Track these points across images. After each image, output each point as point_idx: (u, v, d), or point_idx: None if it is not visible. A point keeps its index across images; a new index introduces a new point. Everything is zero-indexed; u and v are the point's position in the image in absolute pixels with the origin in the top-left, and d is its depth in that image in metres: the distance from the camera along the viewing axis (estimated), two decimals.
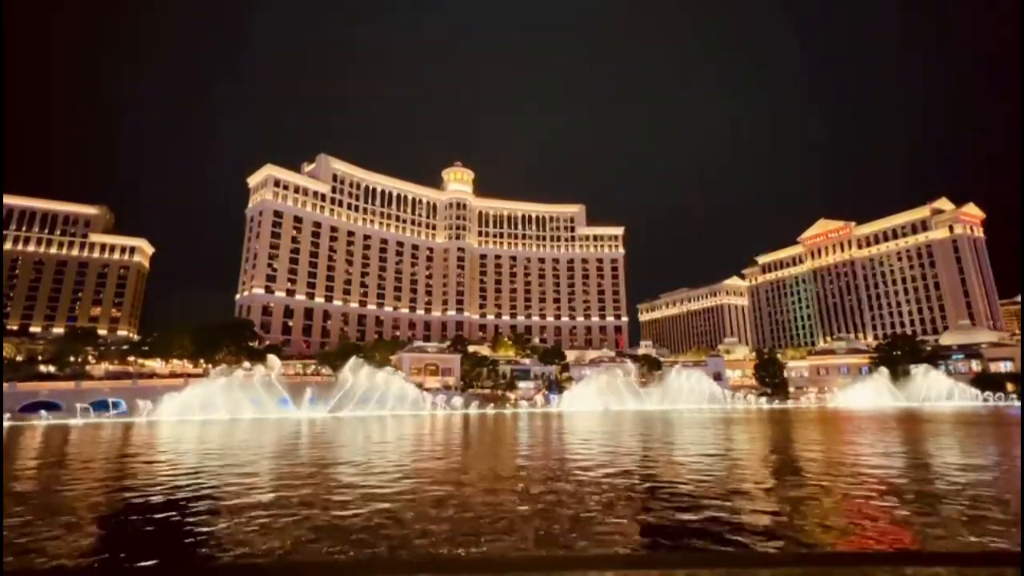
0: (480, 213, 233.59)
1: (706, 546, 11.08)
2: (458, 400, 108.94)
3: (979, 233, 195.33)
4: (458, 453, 31.82)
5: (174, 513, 14.76)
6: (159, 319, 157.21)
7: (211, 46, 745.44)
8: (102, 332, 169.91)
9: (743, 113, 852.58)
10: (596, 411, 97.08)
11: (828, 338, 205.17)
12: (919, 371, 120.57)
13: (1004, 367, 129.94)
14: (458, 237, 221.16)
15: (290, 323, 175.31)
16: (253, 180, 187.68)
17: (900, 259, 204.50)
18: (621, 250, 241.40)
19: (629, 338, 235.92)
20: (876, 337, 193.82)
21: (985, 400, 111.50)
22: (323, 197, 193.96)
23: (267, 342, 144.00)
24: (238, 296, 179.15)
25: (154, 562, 10.77)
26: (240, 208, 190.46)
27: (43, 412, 78.69)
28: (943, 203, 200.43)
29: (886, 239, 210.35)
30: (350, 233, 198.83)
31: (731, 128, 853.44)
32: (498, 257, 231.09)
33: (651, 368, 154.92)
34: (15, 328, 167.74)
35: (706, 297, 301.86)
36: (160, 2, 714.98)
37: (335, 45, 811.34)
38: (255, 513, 14.45)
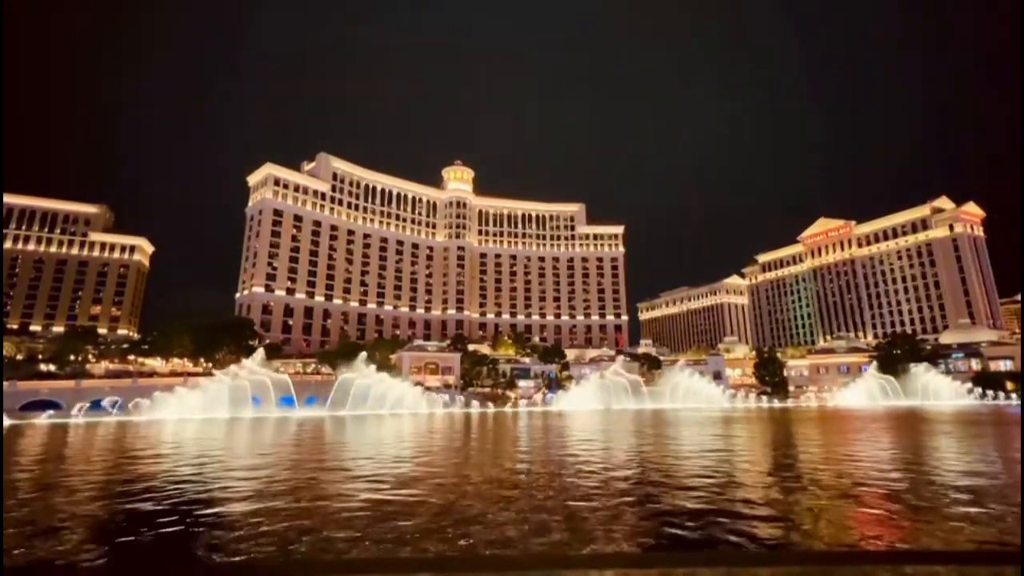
0: (480, 212, 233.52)
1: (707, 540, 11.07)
2: (458, 399, 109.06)
3: (979, 232, 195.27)
4: (458, 456, 31.83)
5: (174, 513, 14.77)
6: (159, 318, 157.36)
7: (211, 46, 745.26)
8: (102, 331, 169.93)
9: (743, 113, 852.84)
10: (596, 410, 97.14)
11: (828, 337, 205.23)
12: (919, 370, 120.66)
13: (1004, 366, 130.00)
14: (458, 236, 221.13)
15: (290, 322, 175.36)
16: (253, 179, 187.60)
17: (900, 258, 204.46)
18: (621, 249, 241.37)
19: (629, 337, 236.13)
20: (876, 336, 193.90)
21: (984, 398, 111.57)
22: (323, 196, 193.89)
23: (267, 341, 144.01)
24: (238, 295, 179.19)
25: (154, 563, 10.77)
26: (240, 207, 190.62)
27: (50, 411, 78.80)
28: (943, 202, 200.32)
29: (886, 238, 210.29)
30: (350, 232, 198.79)
31: (731, 128, 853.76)
32: (498, 256, 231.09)
33: (651, 367, 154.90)
34: (15, 327, 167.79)
35: (706, 296, 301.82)
36: (160, 2, 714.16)
37: (335, 45, 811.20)
38: (256, 514, 14.45)
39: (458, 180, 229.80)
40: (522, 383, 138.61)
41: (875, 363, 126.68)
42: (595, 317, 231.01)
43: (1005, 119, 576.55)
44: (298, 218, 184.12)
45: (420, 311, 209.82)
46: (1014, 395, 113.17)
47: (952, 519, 13.01)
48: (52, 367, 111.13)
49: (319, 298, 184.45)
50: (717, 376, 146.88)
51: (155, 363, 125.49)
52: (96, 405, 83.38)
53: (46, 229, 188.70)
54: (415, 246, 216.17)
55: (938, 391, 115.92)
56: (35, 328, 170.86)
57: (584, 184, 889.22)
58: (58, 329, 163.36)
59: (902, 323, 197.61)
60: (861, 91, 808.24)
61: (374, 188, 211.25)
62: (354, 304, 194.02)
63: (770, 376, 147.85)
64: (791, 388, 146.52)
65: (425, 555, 10.44)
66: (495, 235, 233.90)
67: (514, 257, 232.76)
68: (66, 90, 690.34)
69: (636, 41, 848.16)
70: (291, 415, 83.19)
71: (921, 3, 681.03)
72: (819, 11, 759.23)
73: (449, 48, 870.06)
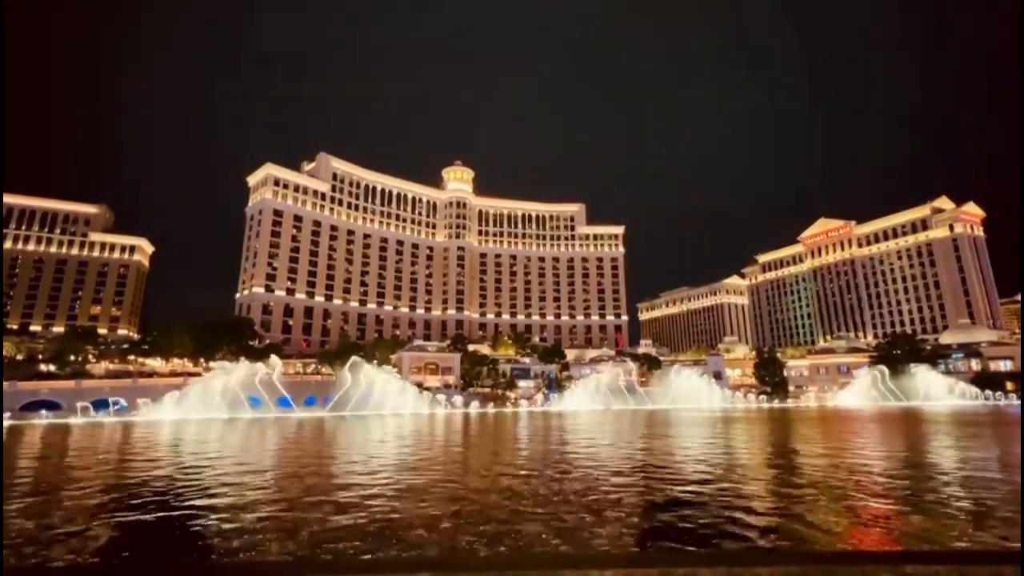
0: (480, 212, 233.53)
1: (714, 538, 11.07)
2: (458, 399, 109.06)
3: (979, 232, 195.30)
4: (459, 459, 31.82)
5: (173, 514, 14.77)
6: (159, 318, 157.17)
7: (211, 45, 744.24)
8: (102, 331, 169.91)
9: (743, 113, 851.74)
10: (597, 410, 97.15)
11: (828, 337, 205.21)
12: (919, 370, 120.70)
13: (1004, 366, 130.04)
14: (458, 236, 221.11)
15: (290, 322, 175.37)
16: (253, 179, 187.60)
17: (900, 258, 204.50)
18: (621, 249, 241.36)
19: (629, 337, 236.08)
20: (876, 336, 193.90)
21: (986, 399, 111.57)
22: (323, 196, 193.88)
23: (267, 341, 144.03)
24: (238, 295, 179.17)
25: (154, 563, 10.78)
26: (240, 207, 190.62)
27: (43, 411, 78.83)
28: (943, 202, 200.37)
29: (886, 238, 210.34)
30: (350, 232, 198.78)
31: (731, 128, 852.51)
32: (498, 256, 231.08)
33: (651, 367, 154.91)
34: (15, 327, 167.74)
35: (706, 296, 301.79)
36: (160, 2, 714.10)
37: (335, 45, 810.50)
38: (259, 514, 14.46)
39: (458, 180, 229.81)
40: (522, 383, 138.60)
41: (882, 366, 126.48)
42: (595, 317, 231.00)
43: (1005, 119, 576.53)
44: (298, 218, 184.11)
45: (420, 311, 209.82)
46: (1014, 395, 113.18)
47: (952, 520, 13.01)
48: (52, 367, 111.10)
49: (319, 298, 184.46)
50: (717, 376, 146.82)
51: (155, 363, 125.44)
52: (97, 405, 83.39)
53: (46, 229, 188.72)
54: (415, 246, 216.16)
55: (938, 391, 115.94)
56: (35, 328, 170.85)
57: (584, 184, 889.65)
58: (58, 329, 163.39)
59: (902, 323, 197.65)
60: (861, 91, 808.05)
61: (374, 188, 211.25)
62: (354, 304, 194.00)
63: (770, 376, 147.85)
64: (791, 388, 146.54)
65: (425, 555, 10.44)
66: (495, 235, 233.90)
67: (514, 257, 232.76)
68: (66, 90, 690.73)
69: (636, 41, 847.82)
70: (290, 416, 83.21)
71: (921, 3, 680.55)
72: (819, 11, 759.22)
73: (449, 48, 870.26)
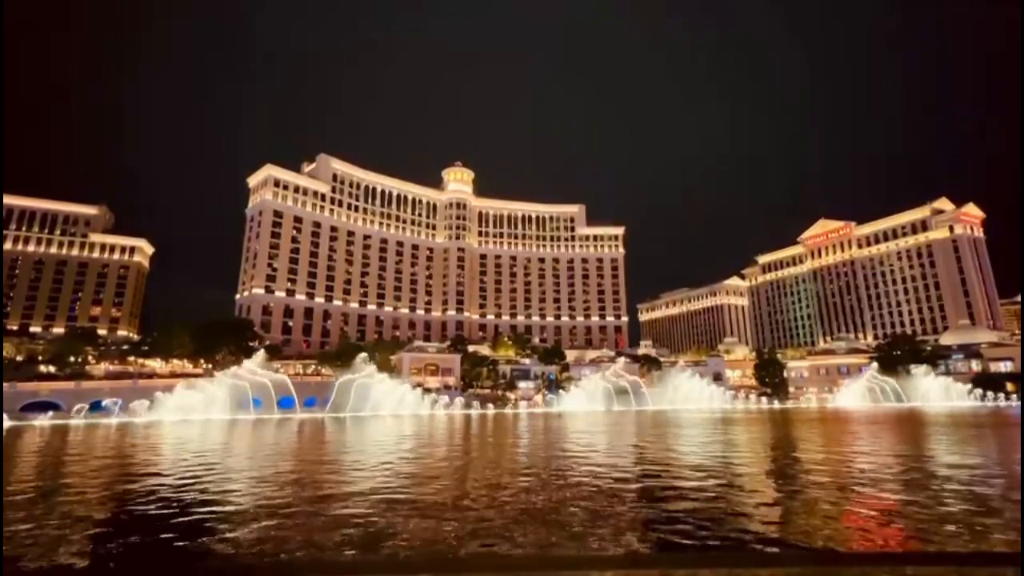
0: (480, 213, 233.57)
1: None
2: (458, 400, 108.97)
3: (979, 233, 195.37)
4: (462, 463, 31.81)
5: (174, 514, 14.77)
6: (159, 319, 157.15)
7: (212, 47, 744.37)
8: (102, 332, 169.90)
9: (742, 113, 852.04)
10: (597, 411, 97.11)
11: (828, 338, 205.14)
12: (919, 371, 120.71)
13: (1004, 367, 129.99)
14: (458, 237, 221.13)
15: (290, 323, 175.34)
16: (253, 180, 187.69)
17: (900, 259, 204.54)
18: (621, 250, 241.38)
19: (629, 338, 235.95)
20: (876, 337, 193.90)
21: (984, 400, 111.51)
22: (323, 197, 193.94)
23: (267, 342, 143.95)
24: (238, 296, 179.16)
25: (154, 562, 10.77)
26: (240, 208, 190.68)
27: (49, 412, 78.84)
28: (943, 203, 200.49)
29: (886, 239, 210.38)
30: (350, 233, 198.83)
31: (731, 128, 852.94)
32: (498, 257, 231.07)
33: (651, 368, 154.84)
34: (15, 328, 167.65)
35: (706, 297, 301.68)
36: (160, 3, 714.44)
37: (335, 46, 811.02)
38: (260, 516, 14.45)
39: (458, 181, 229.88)
40: (522, 384, 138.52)
41: (875, 364, 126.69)
42: (595, 318, 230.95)
43: (1005, 119, 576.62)
44: (298, 219, 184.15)
45: (420, 312, 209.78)
46: (1014, 396, 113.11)
47: (953, 522, 13.01)
48: (52, 368, 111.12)
49: (319, 299, 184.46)
50: (717, 377, 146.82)
51: (155, 364, 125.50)
52: (97, 406, 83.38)
53: (46, 230, 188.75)
54: (415, 247, 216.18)
55: (938, 392, 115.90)
56: (35, 329, 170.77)
57: (584, 185, 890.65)
58: (58, 330, 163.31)
59: (902, 324, 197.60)
60: (861, 91, 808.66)
61: (374, 189, 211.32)
62: (354, 305, 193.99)
63: (770, 377, 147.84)
64: (791, 389, 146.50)
65: (426, 556, 10.43)
66: (495, 236, 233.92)
67: (514, 258, 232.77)
68: (66, 91, 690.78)
69: (635, 42, 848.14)
70: (291, 416, 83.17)
71: (921, 3, 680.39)
72: (818, 10, 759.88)
73: (449, 50, 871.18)
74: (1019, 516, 12.81)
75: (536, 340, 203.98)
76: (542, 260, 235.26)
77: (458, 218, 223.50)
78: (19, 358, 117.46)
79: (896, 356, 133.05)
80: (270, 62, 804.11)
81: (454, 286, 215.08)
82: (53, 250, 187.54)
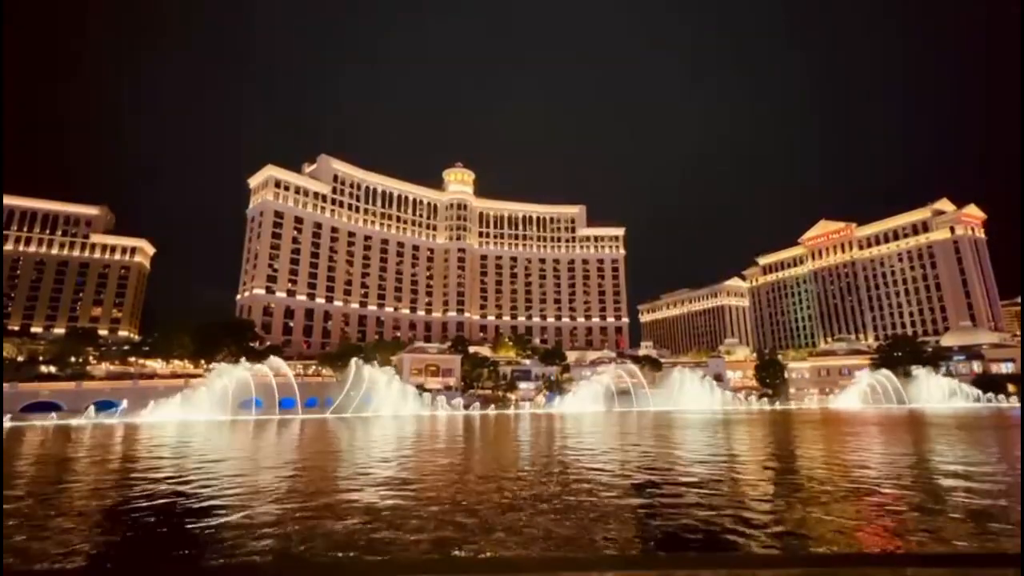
0: (481, 214, 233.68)
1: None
2: (459, 401, 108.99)
3: (980, 234, 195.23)
4: (470, 463, 31.81)
5: (176, 514, 14.79)
6: (160, 319, 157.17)
7: (213, 48, 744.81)
8: (103, 332, 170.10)
9: (743, 114, 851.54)
10: (598, 412, 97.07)
11: (829, 339, 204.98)
12: (920, 372, 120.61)
13: (1005, 368, 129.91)
14: (459, 238, 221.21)
15: (291, 323, 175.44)
16: (254, 181, 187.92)
17: (901, 260, 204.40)
18: (622, 251, 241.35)
19: (630, 339, 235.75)
20: (877, 338, 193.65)
21: (988, 401, 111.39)
22: (324, 198, 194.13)
23: (268, 343, 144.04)
24: (239, 296, 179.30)
25: (154, 562, 10.79)
26: (241, 208, 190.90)
27: (53, 413, 78.96)
28: (944, 204, 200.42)
29: (887, 240, 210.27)
30: (351, 234, 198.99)
31: (731, 129, 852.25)
32: (499, 258, 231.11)
33: (652, 369, 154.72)
34: (16, 328, 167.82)
35: (707, 298, 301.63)
36: (162, 4, 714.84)
37: (338, 46, 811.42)
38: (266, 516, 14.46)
39: (459, 182, 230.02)
40: (523, 385, 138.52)
41: (884, 368, 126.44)
42: (596, 319, 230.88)
43: (1007, 120, 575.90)
44: (299, 220, 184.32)
45: (421, 313, 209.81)
46: (1015, 397, 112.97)
47: (955, 521, 12.99)
48: (53, 369, 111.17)
49: (320, 300, 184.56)
50: (718, 378, 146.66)
51: (155, 365, 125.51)
52: (103, 406, 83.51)
53: (47, 231, 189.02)
54: (416, 248, 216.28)
55: (939, 394, 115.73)
56: (36, 329, 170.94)
57: (585, 186, 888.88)
58: (59, 331, 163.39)
59: (903, 325, 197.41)
60: (865, 92, 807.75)
61: (375, 190, 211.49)
62: (355, 306, 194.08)
63: (771, 378, 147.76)
64: (792, 390, 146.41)
65: (426, 557, 10.44)
66: (496, 237, 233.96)
67: (515, 259, 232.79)
68: (68, 92, 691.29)
69: (635, 43, 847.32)
70: (293, 417, 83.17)
71: (924, 2, 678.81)
72: (820, 11, 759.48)
73: (451, 50, 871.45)
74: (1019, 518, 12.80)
75: (537, 341, 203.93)
76: (543, 261, 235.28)
77: (459, 219, 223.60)
78: (20, 359, 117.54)
79: (897, 357, 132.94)
80: (270, 63, 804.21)
81: (455, 287, 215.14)
82: (54, 251, 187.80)
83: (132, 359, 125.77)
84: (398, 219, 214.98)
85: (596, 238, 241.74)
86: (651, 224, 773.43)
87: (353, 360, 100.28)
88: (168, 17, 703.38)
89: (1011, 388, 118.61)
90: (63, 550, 11.30)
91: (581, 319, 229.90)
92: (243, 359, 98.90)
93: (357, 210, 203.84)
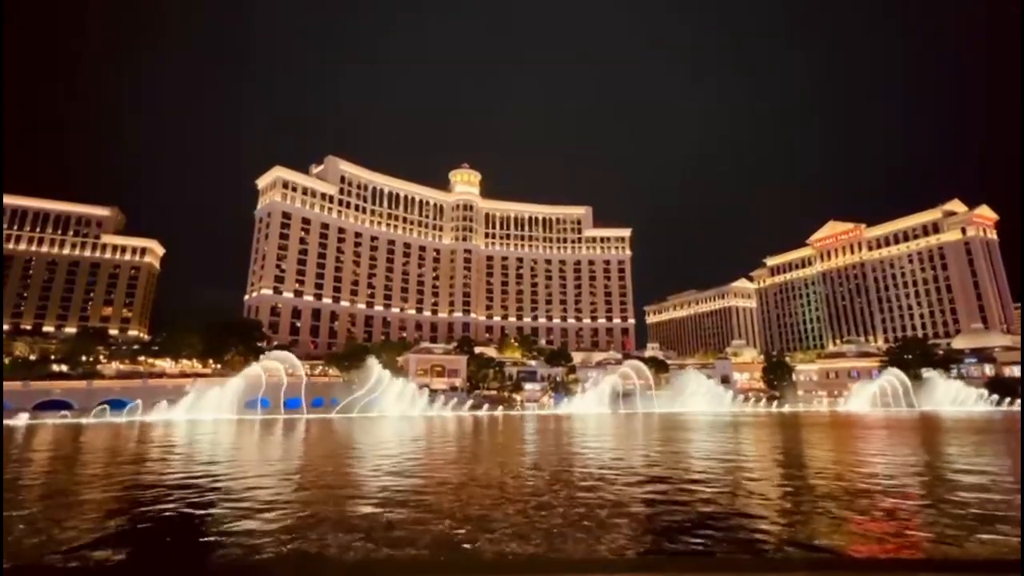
0: (487, 215, 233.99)
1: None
2: (465, 402, 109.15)
3: (992, 235, 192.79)
4: (474, 463, 31.84)
5: (178, 513, 14.94)
6: (169, 319, 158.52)
7: (214, 47, 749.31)
8: (113, 332, 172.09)
9: (744, 113, 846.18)
10: (604, 413, 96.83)
11: (838, 341, 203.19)
12: (931, 375, 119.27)
13: (1018, 371, 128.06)
14: (465, 239, 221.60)
15: (298, 323, 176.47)
16: (262, 182, 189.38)
17: (911, 261, 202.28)
18: (628, 251, 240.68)
19: (636, 340, 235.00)
20: (887, 340, 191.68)
21: (999, 404, 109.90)
22: (331, 199, 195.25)
23: (275, 343, 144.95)
24: (247, 296, 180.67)
25: (154, 560, 10.90)
26: (250, 209, 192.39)
27: (64, 412, 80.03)
28: (955, 205, 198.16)
29: (897, 241, 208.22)
30: (357, 234, 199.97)
31: (732, 128, 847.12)
32: (505, 259, 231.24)
33: (658, 370, 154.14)
34: (29, 327, 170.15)
35: (714, 299, 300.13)
36: (170, 5, 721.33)
37: (338, 46, 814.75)
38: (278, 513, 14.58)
39: (465, 183, 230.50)
40: (528, 386, 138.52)
41: (888, 368, 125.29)
42: (602, 320, 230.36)
43: (1007, 120, 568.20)
44: (306, 220, 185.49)
45: (427, 313, 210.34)
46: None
47: (960, 521, 12.84)
48: (64, 367, 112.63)
49: (327, 300, 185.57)
50: (725, 380, 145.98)
51: (165, 364, 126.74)
52: (113, 405, 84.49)
53: (59, 231, 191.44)
54: (422, 248, 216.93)
55: (950, 397, 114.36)
56: (48, 329, 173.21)
57: (585, 186, 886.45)
58: (70, 330, 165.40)
59: (913, 327, 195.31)
60: (865, 93, 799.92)
61: (381, 191, 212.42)
62: (361, 306, 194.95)
63: (779, 380, 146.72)
64: (800, 392, 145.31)
65: (429, 558, 10.48)
66: (502, 238, 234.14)
67: (521, 260, 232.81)
68: (78, 93, 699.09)
69: (635, 42, 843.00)
70: (299, 417, 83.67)
71: (924, 2, 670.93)
72: (820, 12, 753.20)
73: (450, 51, 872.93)
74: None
75: (543, 342, 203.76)
76: (549, 262, 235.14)
77: (465, 219, 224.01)
78: (32, 357, 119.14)
79: (907, 360, 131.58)
80: (270, 63, 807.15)
81: (461, 287, 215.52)
82: (66, 251, 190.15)
83: (142, 358, 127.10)
84: (404, 220, 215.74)
85: (602, 239, 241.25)
86: (651, 224, 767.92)
87: (364, 360, 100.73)
88: (168, 17, 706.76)
89: None
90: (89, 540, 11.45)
91: (587, 320, 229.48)
92: (251, 359, 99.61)
93: (364, 211, 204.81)
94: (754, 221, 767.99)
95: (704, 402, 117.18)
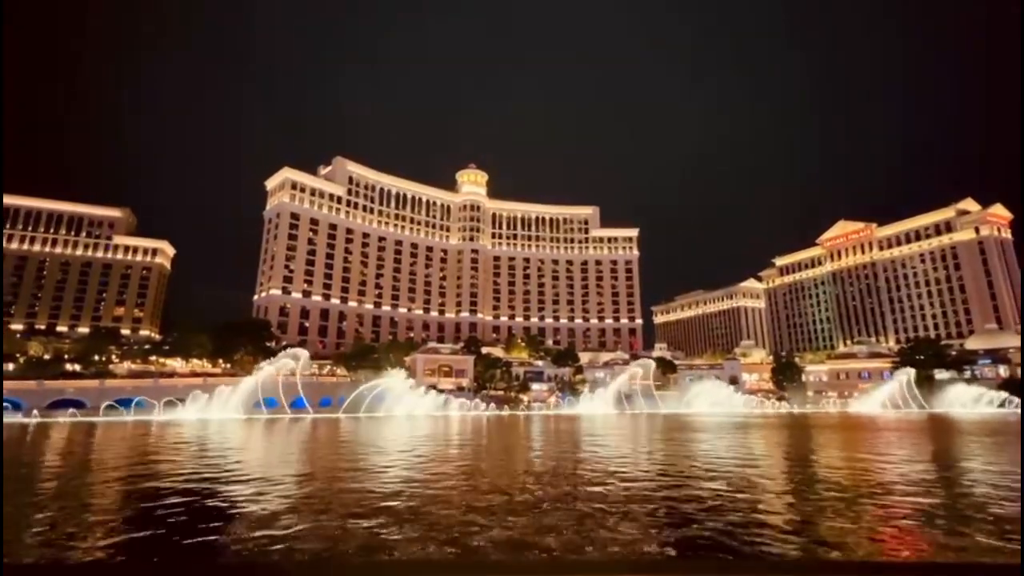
0: (494, 215, 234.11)
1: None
2: (472, 402, 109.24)
3: (1007, 234, 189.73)
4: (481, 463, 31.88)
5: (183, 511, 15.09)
6: (180, 319, 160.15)
7: (214, 47, 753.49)
8: (125, 332, 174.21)
9: (744, 113, 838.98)
10: (611, 414, 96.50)
11: (848, 342, 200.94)
12: (944, 377, 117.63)
13: None
14: (472, 239, 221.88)
15: (306, 324, 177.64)
16: (271, 183, 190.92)
17: (923, 261, 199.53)
18: (635, 251, 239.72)
19: (644, 340, 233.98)
20: (898, 341, 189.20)
21: (1013, 404, 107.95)
22: (339, 199, 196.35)
23: (284, 342, 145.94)
24: (256, 297, 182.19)
25: (155, 558, 11.00)
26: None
27: (72, 410, 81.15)
28: (969, 204, 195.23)
29: (908, 241, 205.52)
30: (365, 235, 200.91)
31: (732, 128, 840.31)
32: (512, 259, 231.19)
33: (666, 371, 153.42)
34: (43, 327, 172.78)
35: (722, 299, 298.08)
36: (179, 7, 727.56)
37: (338, 46, 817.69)
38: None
39: (472, 183, 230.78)
40: (535, 386, 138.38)
41: (897, 369, 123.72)
42: (609, 320, 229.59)
43: (1007, 120, 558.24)
44: (315, 221, 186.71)
45: (434, 313, 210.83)
46: None
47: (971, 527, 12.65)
48: (77, 367, 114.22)
49: (335, 300, 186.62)
50: (734, 381, 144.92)
51: (175, 363, 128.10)
52: (122, 404, 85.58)
53: (72, 232, 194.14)
54: (429, 249, 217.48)
55: (964, 398, 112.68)
56: (61, 328, 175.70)
57: (585, 186, 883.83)
58: (83, 329, 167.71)
59: (925, 328, 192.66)
60: (865, 93, 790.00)
61: (389, 191, 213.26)
62: (369, 306, 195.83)
63: (788, 381, 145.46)
64: (810, 394, 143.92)
65: (431, 558, 10.50)
66: (509, 238, 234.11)
67: (528, 260, 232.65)
68: (78, 94, 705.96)
69: (635, 42, 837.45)
70: (304, 416, 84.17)
71: (924, 2, 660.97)
72: (820, 12, 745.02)
73: (451, 51, 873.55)
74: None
75: (550, 342, 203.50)
76: (556, 262, 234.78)
77: (472, 220, 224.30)
78: (46, 357, 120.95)
79: (919, 360, 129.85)
80: (270, 63, 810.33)
81: (468, 288, 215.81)
82: (79, 252, 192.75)
83: (153, 358, 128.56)
84: (412, 220, 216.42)
85: (609, 239, 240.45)
86: (651, 224, 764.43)
87: (371, 359, 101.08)
88: (168, 17, 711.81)
89: None
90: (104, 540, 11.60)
91: (594, 320, 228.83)
92: (260, 359, 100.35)
93: (371, 211, 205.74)
94: (754, 221, 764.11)
95: (712, 402, 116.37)
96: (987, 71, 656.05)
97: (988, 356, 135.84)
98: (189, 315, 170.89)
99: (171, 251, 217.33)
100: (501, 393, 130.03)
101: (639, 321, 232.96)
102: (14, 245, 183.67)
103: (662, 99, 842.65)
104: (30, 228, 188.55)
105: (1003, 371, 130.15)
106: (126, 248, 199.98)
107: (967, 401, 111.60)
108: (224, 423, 63.31)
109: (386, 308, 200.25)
